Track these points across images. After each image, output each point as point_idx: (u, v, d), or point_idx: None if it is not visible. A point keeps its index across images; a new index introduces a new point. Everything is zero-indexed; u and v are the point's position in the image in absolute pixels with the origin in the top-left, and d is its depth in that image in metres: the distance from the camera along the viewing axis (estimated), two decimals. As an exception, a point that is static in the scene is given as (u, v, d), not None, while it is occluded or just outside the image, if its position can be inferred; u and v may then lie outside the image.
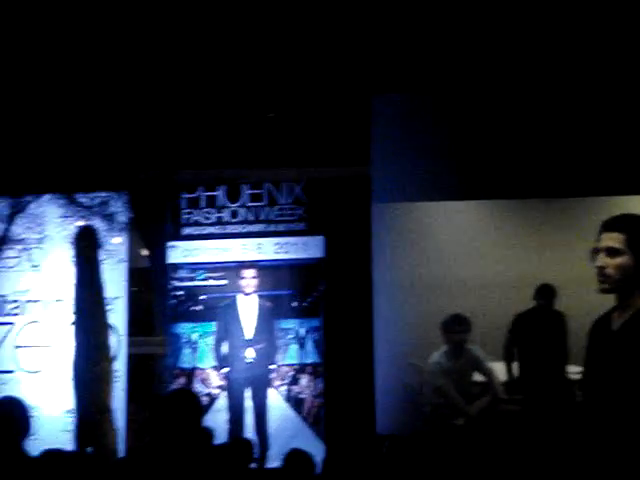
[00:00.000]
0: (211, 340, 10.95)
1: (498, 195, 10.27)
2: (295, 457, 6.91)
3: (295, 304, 10.86)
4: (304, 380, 10.70)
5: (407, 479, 6.31)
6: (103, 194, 10.55)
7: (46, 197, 10.50)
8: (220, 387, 10.84)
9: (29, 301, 11.20)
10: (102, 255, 10.28)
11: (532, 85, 10.20)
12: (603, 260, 3.84)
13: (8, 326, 11.21)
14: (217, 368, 10.87)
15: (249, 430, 10.51)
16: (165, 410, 5.11)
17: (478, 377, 10.35)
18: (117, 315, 10.89)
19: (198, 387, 10.72)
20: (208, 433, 7.71)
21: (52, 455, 5.97)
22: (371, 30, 9.85)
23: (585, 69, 9.98)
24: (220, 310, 10.97)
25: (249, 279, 10.94)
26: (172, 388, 10.54)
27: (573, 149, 10.07)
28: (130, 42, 9.79)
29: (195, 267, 11.12)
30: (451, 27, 9.80)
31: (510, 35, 9.76)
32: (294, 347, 10.78)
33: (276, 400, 10.70)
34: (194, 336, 10.99)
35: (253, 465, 8.41)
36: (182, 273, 11.15)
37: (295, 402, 10.67)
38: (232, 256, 11.06)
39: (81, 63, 9.81)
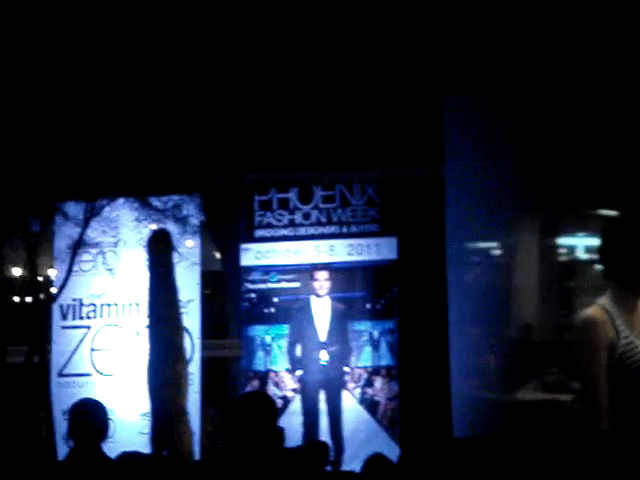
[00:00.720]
0: (284, 342, 10.94)
1: (572, 199, 10.12)
2: (376, 462, 6.85)
3: (368, 306, 10.81)
4: (378, 383, 10.64)
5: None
6: (176, 197, 10.60)
7: (120, 201, 10.57)
8: (294, 390, 10.83)
9: (104, 304, 11.29)
10: (175, 258, 10.31)
11: (606, 84, 10.02)
12: None
13: (84, 329, 11.31)
14: (291, 371, 10.86)
15: (324, 433, 10.48)
16: (240, 413, 5.09)
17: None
18: (191, 318, 10.92)
19: (272, 390, 10.71)
20: (280, 433, 7.70)
21: (129, 458, 5.98)
22: (444, 31, 9.77)
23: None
24: (293, 312, 10.96)
25: (322, 281, 10.91)
26: (246, 391, 10.53)
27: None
28: (202, 46, 9.83)
29: (268, 269, 11.12)
30: (525, 29, 9.68)
31: (586, 36, 9.62)
32: (368, 349, 10.72)
33: (350, 403, 10.66)
34: (267, 339, 10.99)
35: (328, 468, 8.39)
36: (255, 275, 11.15)
37: (369, 405, 10.62)
38: (305, 258, 11.04)
39: (155, 67, 9.86)
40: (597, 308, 4.14)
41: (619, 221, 4.46)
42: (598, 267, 4.36)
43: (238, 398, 5.95)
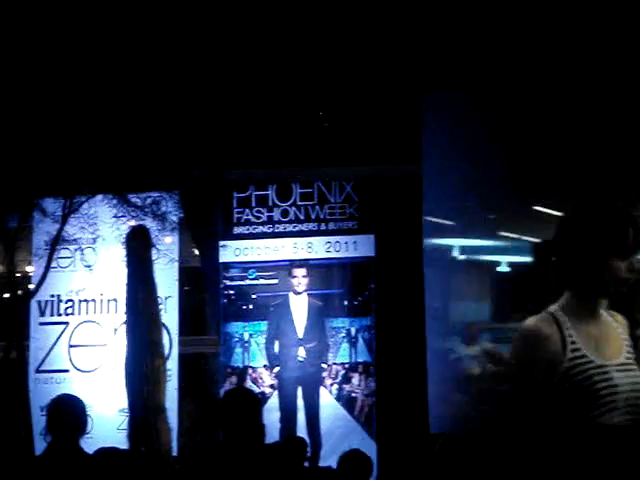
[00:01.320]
0: (262, 339, 10.98)
1: (550, 194, 10.17)
2: (352, 458, 6.89)
3: (346, 303, 10.87)
4: (355, 379, 10.70)
5: (460, 478, 6.28)
6: (155, 194, 10.62)
7: (99, 197, 10.58)
8: (272, 386, 10.87)
9: (83, 301, 11.31)
10: (154, 255, 10.34)
11: (589, 79, 10.08)
12: None
13: (62, 325, 11.33)
14: (269, 367, 10.90)
15: (301, 429, 10.52)
16: (226, 409, 5.12)
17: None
18: (169, 314, 10.97)
19: (250, 386, 10.73)
20: (261, 429, 7.73)
21: (107, 453, 6.01)
22: (420, 29, 9.82)
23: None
24: (271, 309, 11.00)
25: (300, 278, 10.96)
26: (225, 387, 10.57)
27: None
28: (180, 42, 9.84)
29: (246, 266, 11.16)
30: (499, 24, 9.74)
31: (564, 30, 9.67)
32: (345, 346, 10.78)
33: (327, 399, 10.71)
34: (246, 335, 11.03)
35: (306, 464, 8.43)
36: (233, 272, 11.19)
37: (347, 401, 10.68)
38: (283, 255, 11.09)
39: (133, 63, 9.87)
40: (544, 317, 3.56)
41: (576, 210, 3.64)
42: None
43: (224, 394, 5.98)
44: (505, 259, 10.60)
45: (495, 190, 10.38)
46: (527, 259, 10.44)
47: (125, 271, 10.24)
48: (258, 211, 11.21)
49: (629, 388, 3.43)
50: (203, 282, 11.76)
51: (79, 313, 11.32)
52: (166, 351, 10.36)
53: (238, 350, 11.04)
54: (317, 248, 11.03)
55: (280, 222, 11.18)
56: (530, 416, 3.36)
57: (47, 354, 11.31)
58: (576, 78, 10.06)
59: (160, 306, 10.41)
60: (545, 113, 10.17)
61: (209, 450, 5.26)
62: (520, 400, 3.38)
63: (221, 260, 11.18)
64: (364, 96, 10.49)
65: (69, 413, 5.14)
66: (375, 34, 9.85)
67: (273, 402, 10.80)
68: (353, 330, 10.81)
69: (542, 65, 9.95)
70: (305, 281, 10.96)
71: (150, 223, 10.44)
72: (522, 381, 3.42)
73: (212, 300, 11.51)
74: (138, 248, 10.16)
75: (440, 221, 10.53)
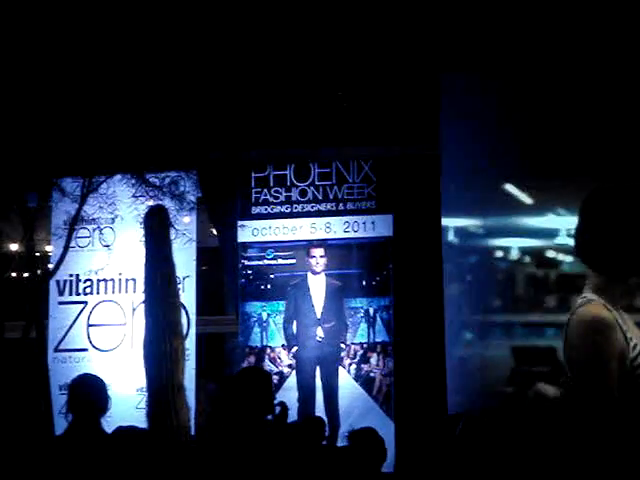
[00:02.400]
0: (281, 319, 10.99)
1: (566, 174, 10.12)
2: (360, 436, 6.90)
3: (364, 283, 10.86)
4: (374, 359, 10.70)
5: (479, 458, 6.28)
6: (173, 173, 10.61)
7: (117, 177, 10.58)
8: (290, 366, 10.89)
9: (101, 280, 11.34)
10: (172, 234, 10.35)
11: (605, 64, 10.02)
12: None
13: (81, 305, 11.36)
14: (287, 347, 10.92)
15: (319, 409, 10.54)
16: (237, 388, 5.13)
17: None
18: (187, 294, 10.98)
19: (268, 366, 10.77)
20: (283, 409, 7.76)
21: (126, 432, 6.03)
22: (440, 7, 9.76)
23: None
24: (289, 289, 11.01)
25: (318, 258, 10.96)
26: (242, 367, 10.59)
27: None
28: (199, 23, 9.81)
29: (264, 246, 11.16)
30: (520, 6, 9.68)
31: (582, 16, 9.62)
32: (364, 326, 10.78)
33: (346, 379, 10.72)
34: (264, 315, 11.04)
35: (324, 443, 8.45)
36: (251, 252, 11.19)
37: (365, 381, 10.68)
38: (301, 235, 11.08)
39: (153, 43, 9.85)
40: (600, 306, 3.35)
41: (602, 195, 3.51)
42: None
43: (236, 374, 6.00)
44: (524, 243, 10.58)
45: (513, 169, 10.35)
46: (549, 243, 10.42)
47: (143, 251, 10.25)
48: (276, 191, 11.20)
49: None
50: (221, 262, 11.76)
51: (97, 292, 11.34)
52: (184, 331, 10.38)
53: (256, 330, 11.05)
54: (335, 228, 11.01)
55: (298, 202, 11.16)
56: (609, 407, 3.24)
57: (66, 333, 11.34)
58: (593, 57, 10.01)
59: (178, 286, 10.42)
60: (564, 93, 10.13)
61: (226, 429, 5.26)
62: (600, 394, 3.24)
63: (239, 240, 11.19)
64: (383, 76, 10.46)
65: (91, 392, 5.17)
66: (395, 13, 9.80)
67: (291, 382, 10.82)
68: (371, 310, 10.80)
69: (560, 45, 9.89)
70: (323, 261, 10.96)
71: (168, 203, 10.44)
72: (600, 375, 3.24)
73: (230, 280, 11.52)
74: (156, 228, 10.16)
75: (458, 200, 10.49)
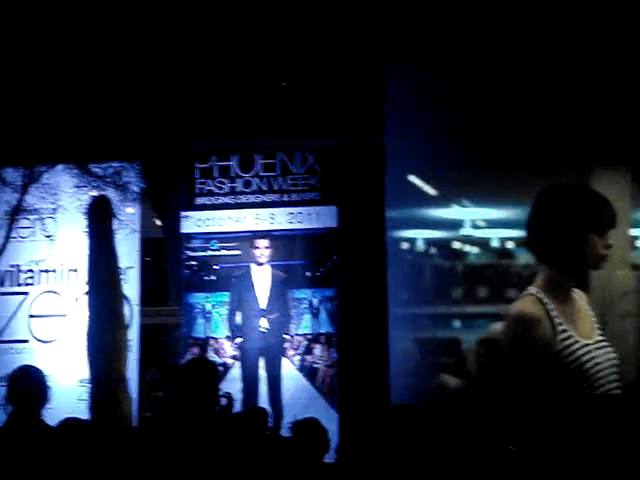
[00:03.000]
0: (225, 310, 10.97)
1: (513, 166, 10.20)
2: (303, 426, 6.92)
3: (308, 274, 10.86)
4: (318, 350, 10.72)
5: (420, 448, 6.33)
6: (116, 164, 10.55)
7: (59, 167, 10.49)
8: (234, 357, 10.87)
9: (43, 271, 11.24)
10: (115, 225, 10.29)
11: (549, 53, 10.11)
12: None
13: (22, 296, 11.26)
14: (231, 338, 10.90)
15: (263, 400, 10.54)
16: (183, 379, 5.12)
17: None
18: (130, 285, 10.92)
19: (212, 357, 10.74)
20: (229, 400, 7.74)
21: (70, 424, 6.00)
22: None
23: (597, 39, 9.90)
24: (234, 280, 10.98)
25: (262, 249, 10.95)
26: (186, 358, 10.56)
27: (587, 118, 10.00)
28: (143, 10, 9.75)
29: (208, 237, 11.12)
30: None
31: (517, 6, 9.70)
32: (307, 317, 10.79)
33: (290, 370, 10.72)
34: (208, 306, 11.01)
35: (267, 434, 8.45)
36: (195, 243, 11.15)
37: (309, 372, 10.70)
38: (245, 226, 11.05)
39: (92, 32, 9.77)
40: (530, 300, 3.57)
41: (553, 190, 3.71)
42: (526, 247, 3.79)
43: (182, 365, 5.99)
44: (430, 234, 10.68)
45: (459, 162, 10.40)
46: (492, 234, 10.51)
47: (86, 241, 10.18)
48: (220, 182, 11.17)
49: (608, 364, 3.52)
50: (165, 253, 11.70)
51: (39, 283, 11.25)
52: (127, 322, 10.34)
53: (200, 321, 11.02)
54: (279, 219, 11.01)
55: (242, 193, 11.14)
56: (523, 393, 3.41)
57: (6, 324, 11.24)
58: (537, 47, 10.08)
59: (121, 277, 10.38)
60: (508, 82, 10.19)
61: (169, 420, 5.26)
62: (515, 381, 3.42)
63: (183, 231, 11.14)
64: (327, 67, 10.46)
65: (31, 384, 5.12)
66: (339, 3, 9.81)
67: (235, 373, 10.80)
68: (315, 301, 10.82)
69: (504, 33, 9.96)
70: (267, 252, 10.95)
71: (111, 193, 10.39)
72: (517, 364, 3.49)
73: (174, 271, 11.46)
74: (99, 218, 10.11)
75: (402, 192, 10.52)
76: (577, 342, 3.54)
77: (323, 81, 10.62)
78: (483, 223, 10.51)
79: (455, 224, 10.50)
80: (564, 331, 3.54)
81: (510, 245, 10.43)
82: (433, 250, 10.70)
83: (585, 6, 9.64)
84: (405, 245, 10.56)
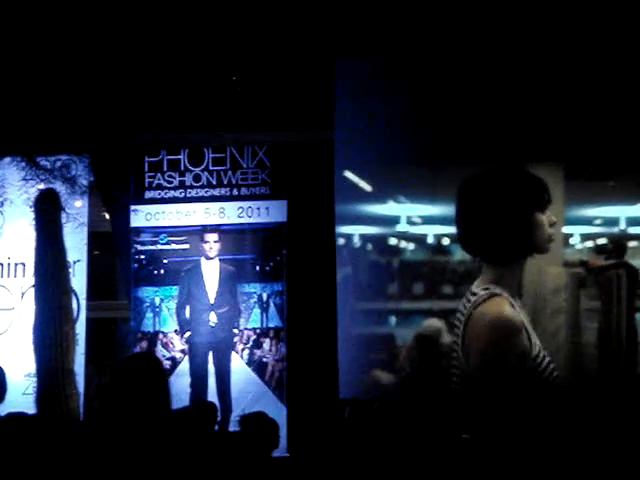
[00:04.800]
0: (174, 304, 10.94)
1: (463, 160, 10.27)
2: (252, 420, 6.93)
3: (258, 268, 10.86)
4: (267, 344, 10.72)
5: (369, 442, 6.36)
6: (64, 157, 10.47)
7: (6, 160, 10.40)
8: (182, 351, 10.85)
9: (-11, 264, 11.14)
10: (63, 219, 10.22)
11: (497, 49, 10.18)
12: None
13: (-32, 289, 11.15)
14: (179, 332, 10.87)
15: (212, 394, 10.53)
16: (126, 374, 5.10)
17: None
18: (77, 279, 10.84)
19: (160, 351, 10.72)
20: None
21: (15, 418, 5.96)
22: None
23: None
24: (183, 274, 10.96)
25: (212, 243, 10.93)
26: (134, 352, 10.52)
27: (522, 114, 10.08)
28: (88, 2, 9.69)
29: (157, 231, 11.08)
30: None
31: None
32: (257, 311, 10.79)
33: (238, 364, 10.72)
34: (156, 300, 10.97)
35: (216, 428, 8.45)
36: (144, 237, 11.11)
37: (258, 366, 10.70)
38: (195, 220, 11.03)
39: (38, 24, 9.69)
40: (504, 301, 3.21)
41: (474, 183, 3.37)
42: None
43: (125, 359, 5.96)
44: (366, 230, 10.74)
45: (407, 158, 10.45)
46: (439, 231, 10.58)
47: (34, 235, 10.10)
48: (170, 175, 11.13)
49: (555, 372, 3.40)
50: (113, 246, 11.65)
51: (-15, 277, 11.15)
52: (74, 315, 10.28)
53: (149, 315, 10.98)
54: (229, 213, 11.00)
55: (192, 187, 11.11)
56: (503, 400, 3.23)
57: (-48, 318, 11.12)
58: (488, 42, 10.16)
59: (69, 270, 10.31)
60: (458, 80, 10.26)
61: (113, 416, 5.22)
62: (497, 392, 3.21)
63: (132, 225, 11.09)
64: (277, 61, 10.46)
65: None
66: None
67: (184, 367, 10.78)
68: (265, 295, 10.82)
69: (455, 31, 10.02)
70: (217, 246, 10.94)
71: (59, 186, 10.31)
72: (499, 374, 3.17)
73: (123, 265, 11.42)
74: (47, 212, 10.03)
75: (352, 187, 10.56)
76: (541, 347, 3.31)
77: (273, 76, 10.62)
78: (419, 219, 10.59)
79: (391, 220, 10.56)
80: (531, 336, 3.29)
81: (446, 241, 10.52)
82: (370, 246, 10.75)
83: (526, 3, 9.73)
84: (342, 241, 10.60)
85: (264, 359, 10.72)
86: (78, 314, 10.68)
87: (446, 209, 10.20)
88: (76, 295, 10.67)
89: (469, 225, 3.38)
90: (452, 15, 9.87)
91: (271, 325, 10.76)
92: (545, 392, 3.27)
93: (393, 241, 10.70)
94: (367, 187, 10.56)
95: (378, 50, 10.28)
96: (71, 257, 10.46)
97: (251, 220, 10.94)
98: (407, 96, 10.36)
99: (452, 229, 3.44)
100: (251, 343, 10.75)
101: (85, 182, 10.59)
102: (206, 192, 11.08)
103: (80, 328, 10.68)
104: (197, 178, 11.10)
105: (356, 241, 10.56)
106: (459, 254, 10.00)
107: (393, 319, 10.71)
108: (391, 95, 10.42)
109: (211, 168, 11.10)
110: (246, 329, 10.78)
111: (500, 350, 3.17)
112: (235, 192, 11.04)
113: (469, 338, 3.28)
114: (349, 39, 10.13)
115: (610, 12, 9.69)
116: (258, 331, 10.77)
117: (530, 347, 3.24)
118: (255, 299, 10.82)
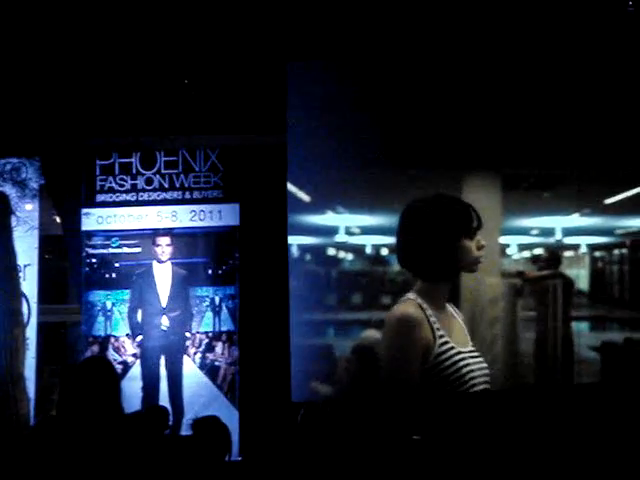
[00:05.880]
0: (125, 308, 10.90)
1: (419, 164, 10.32)
2: (204, 424, 6.92)
3: (210, 272, 10.85)
4: (219, 348, 10.71)
5: (322, 446, 6.37)
6: (14, 160, 10.41)
7: (-44, 163, 10.32)
8: (134, 355, 10.80)
9: (-62, 268, 11.01)
10: (13, 222, 10.15)
11: (456, 52, 10.25)
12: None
13: None
14: (131, 336, 10.83)
15: (164, 398, 10.50)
16: (79, 378, 5.08)
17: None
18: (28, 283, 10.77)
19: (112, 355, 10.67)
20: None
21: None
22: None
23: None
24: (135, 278, 10.92)
25: (164, 247, 10.90)
26: (85, 356, 10.47)
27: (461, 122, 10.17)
28: (41, 4, 9.63)
29: (109, 234, 11.03)
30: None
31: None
32: (209, 315, 10.78)
33: (191, 368, 10.70)
34: (108, 304, 10.92)
35: (168, 432, 8.42)
36: (96, 240, 11.05)
37: (210, 370, 10.69)
38: (147, 223, 11.00)
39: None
40: (411, 304, 3.73)
41: (416, 207, 3.85)
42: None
43: (77, 364, 5.93)
44: (304, 240, 10.77)
45: (361, 160, 10.48)
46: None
47: (-17, 238, 10.01)
48: (122, 179, 11.08)
49: (480, 373, 3.63)
50: (64, 250, 11.58)
51: None
52: (25, 319, 10.20)
53: (100, 319, 10.93)
54: (181, 217, 10.97)
55: (144, 190, 11.08)
56: (407, 394, 3.46)
57: None
58: (438, 41, 10.22)
59: (19, 274, 10.24)
60: (416, 83, 10.32)
61: (65, 420, 5.20)
62: (398, 383, 3.46)
63: (83, 228, 11.03)
64: (229, 64, 10.46)
65: None
66: (241, 1, 9.81)
67: (135, 371, 10.74)
68: (217, 299, 10.82)
69: (412, 34, 10.07)
70: (169, 250, 10.91)
71: (9, 189, 10.24)
72: (399, 367, 3.48)
73: (74, 268, 11.34)
74: (-4, 215, 9.95)
75: (304, 191, 10.57)
76: (453, 348, 3.74)
77: (225, 78, 10.62)
78: (357, 230, 10.63)
79: (330, 230, 10.60)
80: (442, 336, 3.70)
81: (384, 252, 10.58)
82: (308, 256, 10.78)
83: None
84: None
85: (216, 363, 10.71)
86: (29, 318, 10.61)
87: (385, 219, 10.28)
88: (27, 299, 10.60)
89: (404, 245, 3.91)
90: (401, 19, 9.92)
91: (223, 329, 10.76)
92: (453, 384, 3.65)
93: (331, 251, 10.74)
94: (305, 197, 10.58)
95: (331, 52, 10.30)
96: (21, 261, 10.38)
97: (203, 223, 10.93)
98: (358, 101, 10.40)
99: (391, 239, 3.83)
100: (203, 347, 10.73)
101: (36, 185, 10.53)
102: (158, 195, 11.05)
103: (31, 332, 10.62)
104: (149, 181, 11.07)
105: (294, 251, 10.57)
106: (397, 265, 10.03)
107: (332, 330, 10.74)
108: (342, 99, 10.45)
109: (163, 171, 11.07)
110: (198, 333, 10.77)
111: (401, 340, 3.67)
112: (187, 195, 11.02)
113: (382, 337, 3.88)
114: (301, 42, 10.15)
115: (547, 22, 9.81)
116: (210, 335, 10.75)
117: (434, 340, 3.69)
118: (207, 303, 10.81)
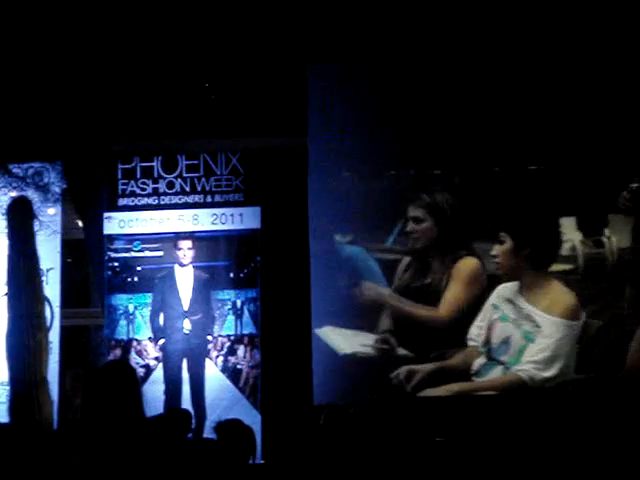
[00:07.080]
0: (147, 311, 10.92)
1: (436, 166, 10.33)
2: (227, 428, 6.91)
3: (232, 275, 10.86)
4: (241, 351, 10.72)
5: (344, 448, 6.37)
6: (37, 164, 10.45)
7: (-21, 168, 10.37)
8: (157, 358, 10.83)
9: (-39, 272, 11.07)
10: (36, 226, 10.19)
11: (470, 55, 10.25)
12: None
13: (-59, 298, 11.09)
14: (153, 339, 10.85)
15: (186, 401, 10.51)
16: (100, 382, 5.09)
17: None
18: (51, 286, 10.81)
19: (134, 358, 10.69)
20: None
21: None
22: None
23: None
24: (157, 281, 10.94)
25: (185, 250, 10.92)
26: (108, 359, 10.49)
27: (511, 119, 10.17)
28: (60, 9, 9.67)
29: (131, 238, 11.06)
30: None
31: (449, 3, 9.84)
32: (231, 318, 10.78)
33: (213, 371, 10.71)
34: (130, 307, 10.95)
35: (190, 436, 8.43)
36: (118, 244, 11.08)
37: (232, 373, 10.69)
38: (169, 227, 11.02)
39: (12, 30, 9.67)
40: None
41: None
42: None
43: (99, 367, 5.94)
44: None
45: (381, 162, 10.49)
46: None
47: (6, 243, 10.06)
48: (143, 182, 11.11)
49: None
50: (87, 254, 11.62)
51: (-42, 285, 11.08)
52: (48, 323, 10.23)
53: (122, 322, 10.95)
54: (203, 220, 10.99)
55: (166, 194, 11.10)
56: None
57: None
58: (456, 46, 10.24)
59: (42, 278, 10.27)
60: (435, 88, 10.33)
61: (88, 423, 5.21)
62: None
63: (105, 232, 11.06)
64: (250, 67, 10.47)
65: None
66: (261, 3, 9.82)
67: (158, 374, 10.76)
68: (239, 302, 10.82)
69: (431, 40, 10.08)
70: (191, 253, 10.93)
71: (32, 194, 10.28)
72: None
73: (96, 272, 11.38)
74: (20, 220, 9.99)
75: (326, 193, 10.58)
76: None
77: (246, 82, 10.63)
78: None
79: None
80: None
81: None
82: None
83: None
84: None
85: (238, 366, 10.71)
86: (52, 322, 10.65)
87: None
88: (49, 303, 10.63)
89: None
90: (420, 26, 9.93)
91: (245, 332, 10.76)
92: None
93: None
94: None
95: (351, 55, 10.31)
96: (44, 265, 10.41)
97: (225, 227, 10.94)
98: (378, 103, 10.41)
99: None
100: (225, 350, 10.74)
101: (58, 189, 10.57)
102: (180, 199, 11.07)
103: (54, 336, 10.64)
104: (171, 185, 11.09)
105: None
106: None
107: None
108: (362, 102, 10.46)
109: (185, 175, 11.09)
110: (220, 336, 10.77)
111: None
112: (209, 199, 11.04)
113: None
114: (322, 46, 10.16)
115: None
116: (232, 338, 10.76)
117: None
118: (229, 306, 10.81)
